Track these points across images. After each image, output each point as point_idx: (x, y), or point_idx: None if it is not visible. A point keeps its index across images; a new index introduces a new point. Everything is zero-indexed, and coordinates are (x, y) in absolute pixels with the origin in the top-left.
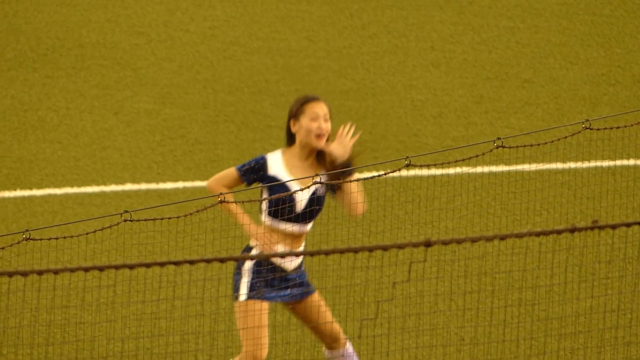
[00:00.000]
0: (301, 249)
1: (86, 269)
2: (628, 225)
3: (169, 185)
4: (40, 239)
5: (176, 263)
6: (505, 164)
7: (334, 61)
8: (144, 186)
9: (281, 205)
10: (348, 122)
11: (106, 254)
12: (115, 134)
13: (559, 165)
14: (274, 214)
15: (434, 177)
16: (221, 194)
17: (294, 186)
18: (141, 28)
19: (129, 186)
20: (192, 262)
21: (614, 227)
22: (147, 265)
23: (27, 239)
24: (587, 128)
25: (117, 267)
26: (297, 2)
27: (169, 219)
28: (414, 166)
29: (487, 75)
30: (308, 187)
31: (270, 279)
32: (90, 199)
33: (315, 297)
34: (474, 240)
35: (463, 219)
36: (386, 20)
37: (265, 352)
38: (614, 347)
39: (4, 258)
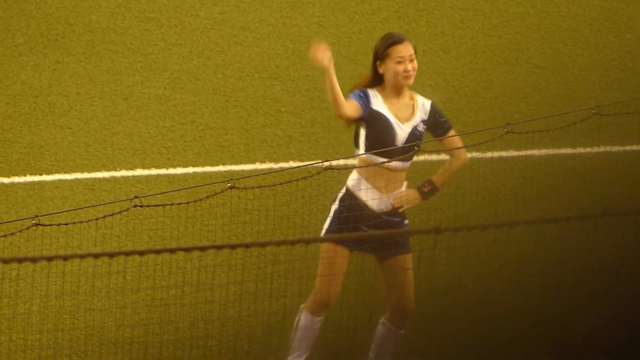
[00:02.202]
0: (402, 188)
1: (96, 255)
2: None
3: (179, 170)
4: (50, 225)
5: (186, 249)
6: (515, 150)
7: (345, 47)
8: (154, 171)
9: (383, 139)
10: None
11: (116, 239)
12: (125, 119)
13: (569, 151)
14: (374, 146)
15: (444, 162)
16: (231, 179)
17: (393, 121)
18: (151, 13)
19: (139, 171)
20: (202, 249)
21: (625, 215)
22: (157, 252)
23: (36, 225)
24: (597, 114)
25: (127, 254)
26: None
27: (178, 204)
28: (424, 152)
29: (497, 60)
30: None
31: (354, 224)
32: (101, 185)
33: (401, 260)
34: (483, 228)
35: (472, 205)
36: (397, 6)
37: (334, 298)
38: None
39: (14, 244)
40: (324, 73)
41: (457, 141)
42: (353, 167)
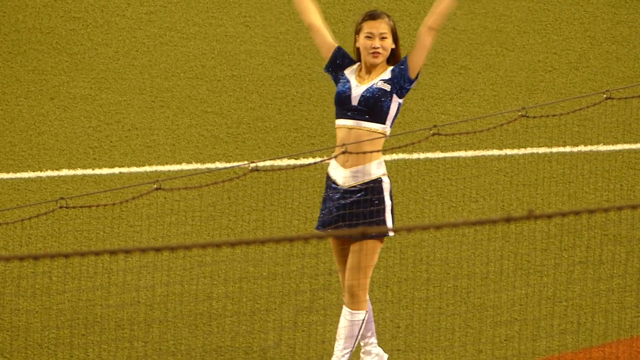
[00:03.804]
0: (361, 167)
1: (21, 258)
2: (564, 214)
3: (105, 171)
4: None
5: (111, 252)
6: (442, 151)
7: (271, 47)
8: (79, 172)
9: (341, 100)
10: (285, 108)
11: (42, 240)
12: (51, 119)
13: (495, 152)
14: (336, 109)
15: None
16: (157, 180)
17: (352, 83)
18: (78, 13)
19: (65, 172)
20: (127, 252)
21: (549, 216)
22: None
23: None
24: (523, 116)
25: (52, 256)
26: None
27: (104, 205)
28: (351, 153)
29: None
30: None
31: (328, 204)
32: (26, 185)
33: (358, 246)
34: (409, 230)
35: (399, 206)
36: (324, 7)
37: (342, 279)
38: (549, 335)
39: None
40: (251, 74)
41: (420, 37)
42: (280, 169)
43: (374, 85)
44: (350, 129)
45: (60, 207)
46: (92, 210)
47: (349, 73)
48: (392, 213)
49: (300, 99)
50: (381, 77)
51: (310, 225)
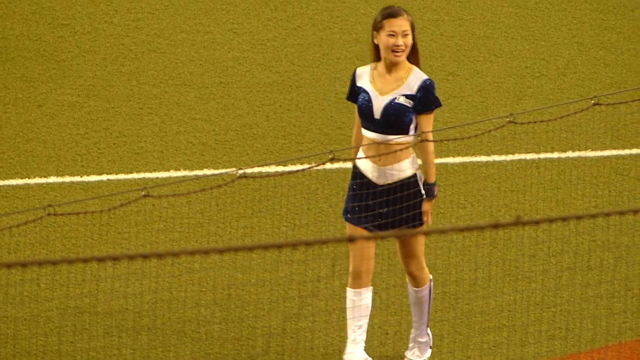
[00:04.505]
0: (396, 165)
1: (9, 265)
2: (552, 221)
3: (93, 178)
4: None
5: (99, 259)
6: None
7: (259, 54)
8: (67, 179)
9: (363, 113)
10: (273, 115)
11: (30, 247)
12: (39, 126)
13: (483, 159)
14: (361, 119)
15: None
16: (145, 187)
17: (372, 94)
18: (65, 20)
19: (53, 179)
20: (115, 259)
21: (537, 223)
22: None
23: None
24: (511, 122)
25: (40, 264)
26: None
27: (92, 212)
28: (338, 159)
29: None
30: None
31: (364, 200)
32: (14, 192)
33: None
34: (398, 236)
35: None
36: (311, 13)
37: (364, 268)
38: (537, 341)
39: None
40: (239, 80)
41: (426, 125)
42: (268, 175)
43: (396, 100)
44: (378, 142)
45: (48, 215)
46: (80, 217)
47: (364, 81)
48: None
49: (288, 105)
50: (403, 92)
51: (298, 232)
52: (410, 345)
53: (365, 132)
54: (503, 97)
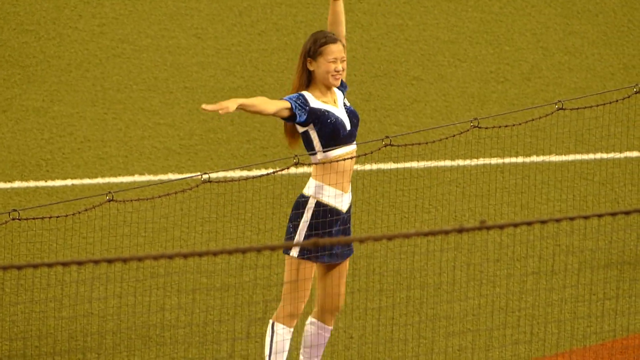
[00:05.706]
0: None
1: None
2: (516, 225)
3: (58, 183)
4: None
5: (64, 264)
6: (394, 162)
7: (223, 59)
8: (32, 184)
9: (335, 129)
10: (237, 120)
11: None
12: (3, 131)
13: (448, 163)
14: (331, 141)
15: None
16: (110, 192)
17: (331, 109)
18: (30, 26)
19: (17, 184)
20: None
21: (502, 227)
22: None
23: None
24: (475, 127)
25: (4, 268)
26: None
27: (57, 217)
28: (303, 164)
29: (375, 72)
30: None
31: (326, 232)
32: None
33: (347, 262)
34: (361, 241)
35: (352, 217)
36: (275, 18)
37: (302, 307)
38: (502, 346)
39: None
40: (203, 85)
41: None
42: (232, 180)
43: (348, 105)
44: (353, 154)
45: (13, 219)
46: (44, 222)
47: (315, 102)
48: None
49: None
50: (341, 98)
51: (262, 237)
52: None
53: (344, 150)
54: (467, 102)
